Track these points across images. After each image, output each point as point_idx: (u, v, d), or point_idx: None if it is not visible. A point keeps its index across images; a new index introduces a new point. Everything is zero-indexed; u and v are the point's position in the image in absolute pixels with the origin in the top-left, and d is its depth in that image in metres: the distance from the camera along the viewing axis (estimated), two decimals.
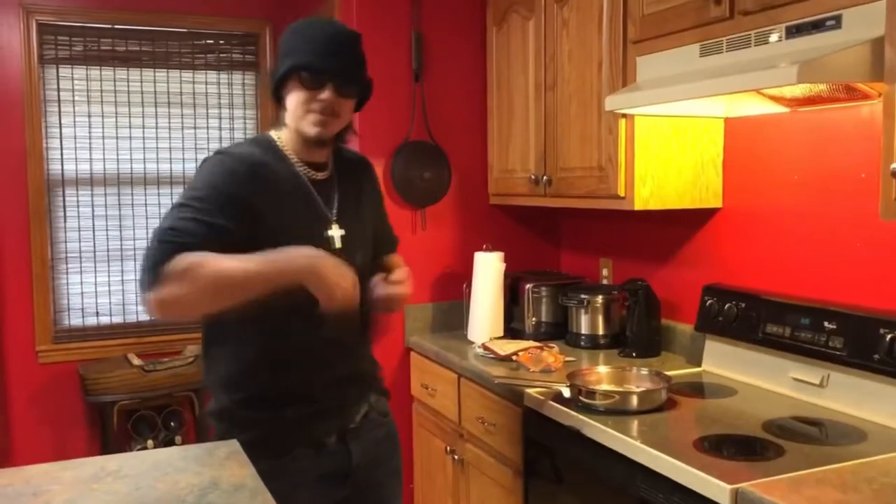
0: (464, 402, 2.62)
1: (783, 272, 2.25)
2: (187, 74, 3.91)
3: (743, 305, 2.24)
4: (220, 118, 4.00)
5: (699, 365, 2.42)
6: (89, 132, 3.76)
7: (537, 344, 2.61)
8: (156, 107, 3.87)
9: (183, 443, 3.67)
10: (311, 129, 1.69)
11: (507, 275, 2.92)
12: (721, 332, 2.31)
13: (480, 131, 3.17)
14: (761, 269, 2.32)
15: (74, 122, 3.73)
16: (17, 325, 3.65)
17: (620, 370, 2.24)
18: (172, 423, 3.71)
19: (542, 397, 2.14)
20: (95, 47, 3.74)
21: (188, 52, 3.91)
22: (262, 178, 1.67)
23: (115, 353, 3.75)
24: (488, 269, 2.89)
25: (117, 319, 3.86)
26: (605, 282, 3.01)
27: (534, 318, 2.89)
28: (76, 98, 3.73)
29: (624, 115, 2.33)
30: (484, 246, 2.96)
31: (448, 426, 2.76)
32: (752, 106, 2.20)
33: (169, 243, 1.52)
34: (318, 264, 1.54)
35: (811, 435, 1.85)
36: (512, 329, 2.93)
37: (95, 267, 3.81)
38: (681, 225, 2.59)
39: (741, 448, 1.77)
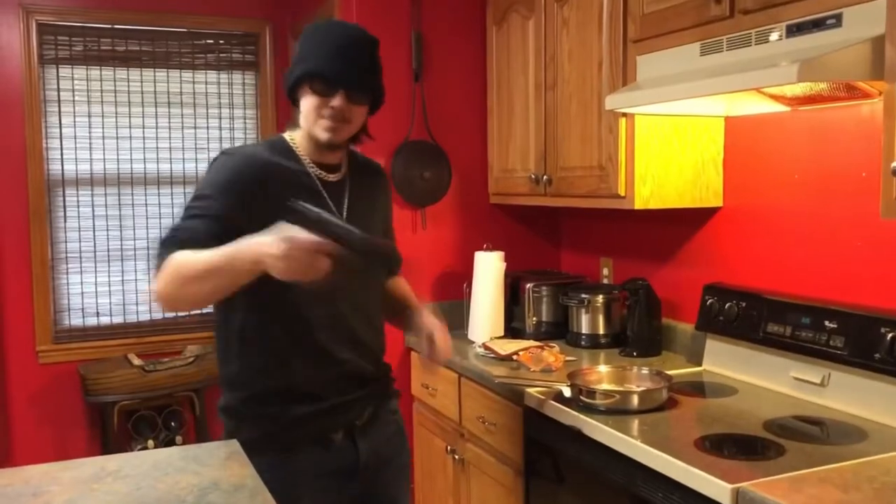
0: (464, 402, 2.62)
1: (784, 271, 2.25)
2: (187, 74, 3.91)
3: (743, 305, 2.24)
4: (220, 118, 3.99)
5: (700, 364, 2.41)
6: (89, 132, 3.76)
7: (538, 343, 2.61)
8: (156, 107, 3.87)
9: (183, 443, 3.67)
10: (322, 135, 1.71)
11: (507, 274, 2.92)
12: (722, 331, 2.31)
13: (480, 131, 3.16)
14: (762, 269, 2.32)
15: (74, 122, 3.73)
16: (17, 325, 3.65)
17: (621, 370, 2.24)
18: (173, 424, 3.71)
19: (542, 397, 2.14)
20: (95, 47, 3.74)
21: (188, 51, 3.91)
22: (269, 178, 1.69)
23: (116, 353, 3.75)
24: (489, 268, 2.89)
25: (117, 319, 3.86)
26: (605, 281, 3.01)
27: (534, 318, 2.89)
28: (76, 98, 3.73)
29: (624, 115, 2.33)
30: (484, 245, 2.95)
31: (449, 426, 2.76)
32: (753, 105, 2.20)
33: (167, 241, 1.59)
34: (261, 251, 1.45)
35: (812, 434, 1.84)
36: (512, 328, 2.93)
37: (96, 267, 3.81)
38: (681, 224, 2.59)
39: (742, 447, 1.77)
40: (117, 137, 3.80)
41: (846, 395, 1.94)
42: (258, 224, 1.59)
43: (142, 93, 3.84)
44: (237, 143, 4.00)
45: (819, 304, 2.04)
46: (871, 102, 1.93)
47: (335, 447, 1.78)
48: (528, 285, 2.88)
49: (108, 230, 3.82)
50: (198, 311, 3.92)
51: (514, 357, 2.51)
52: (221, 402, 1.81)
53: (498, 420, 2.40)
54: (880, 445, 1.70)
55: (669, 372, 2.18)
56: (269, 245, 1.43)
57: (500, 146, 3.05)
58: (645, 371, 2.21)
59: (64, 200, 3.73)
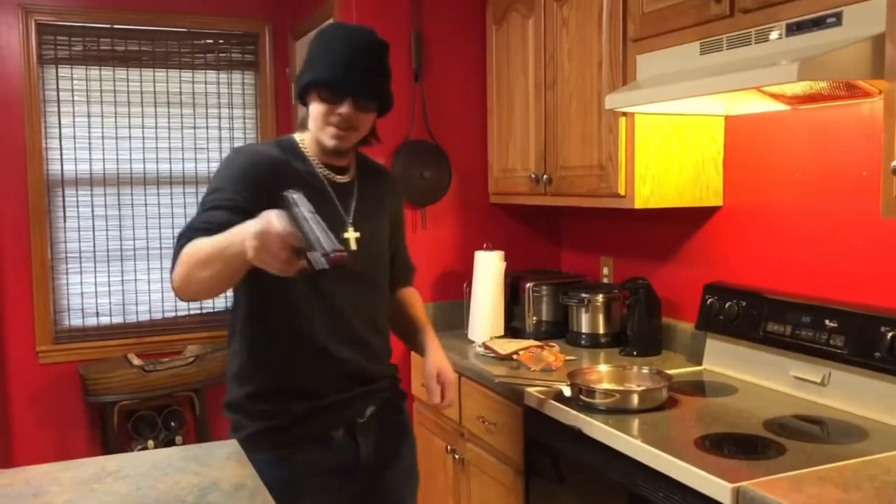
0: (464, 402, 2.62)
1: (784, 270, 2.25)
2: (187, 74, 3.91)
3: (744, 304, 2.24)
4: (220, 118, 3.99)
5: (700, 363, 2.41)
6: (89, 132, 3.75)
7: (538, 343, 2.61)
8: (155, 107, 3.87)
9: (183, 443, 3.67)
10: (329, 142, 1.73)
11: (507, 274, 2.92)
12: (722, 330, 2.31)
13: (480, 130, 3.16)
14: (762, 268, 2.32)
15: (74, 122, 3.72)
16: (17, 325, 3.65)
17: (621, 369, 2.24)
18: (173, 424, 3.71)
19: (542, 396, 2.13)
20: (95, 47, 3.74)
21: (188, 51, 3.90)
22: (277, 176, 1.70)
23: (116, 353, 3.75)
24: (489, 268, 2.89)
25: (117, 319, 3.86)
26: (605, 280, 3.01)
27: (534, 317, 2.88)
28: (76, 98, 3.72)
29: (624, 114, 2.33)
30: (484, 245, 2.95)
31: (449, 425, 2.76)
32: (753, 104, 2.20)
33: (184, 235, 1.60)
34: (244, 236, 1.39)
35: (812, 433, 1.84)
36: (512, 328, 2.93)
37: (95, 267, 3.81)
38: (681, 223, 2.59)
39: (742, 447, 1.77)
40: (117, 137, 3.80)
41: (846, 394, 1.94)
42: None
43: (141, 93, 3.84)
44: (237, 143, 4.01)
45: (819, 303, 2.04)
46: (871, 101, 1.93)
47: (336, 445, 1.78)
48: (528, 285, 2.88)
49: (107, 230, 3.82)
50: (198, 312, 3.93)
51: (514, 356, 2.51)
52: (226, 398, 1.83)
53: (498, 420, 2.40)
54: (881, 444, 1.70)
55: (669, 371, 2.18)
56: (250, 230, 1.37)
57: (500, 146, 3.05)
58: (645, 370, 2.21)
59: (63, 200, 3.73)
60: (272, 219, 1.34)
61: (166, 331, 3.90)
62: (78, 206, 3.75)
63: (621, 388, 2.11)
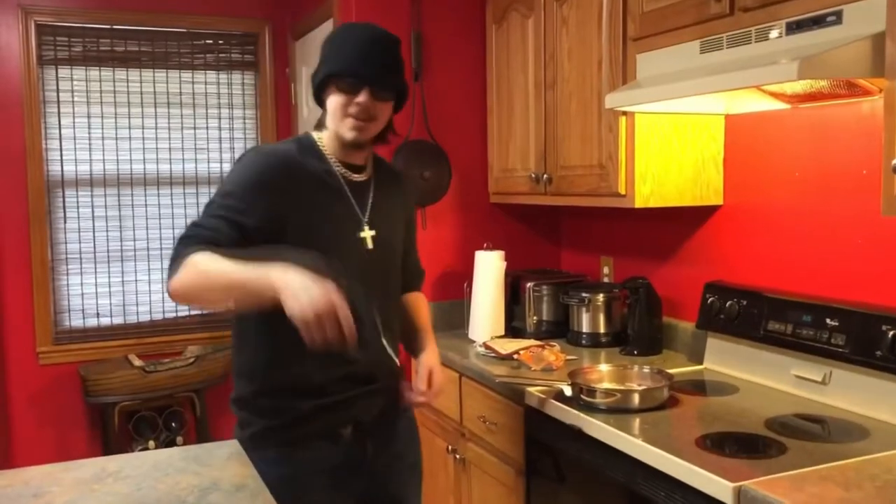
0: (465, 402, 2.62)
1: (784, 269, 2.25)
2: (186, 74, 3.91)
3: (744, 303, 2.24)
4: (220, 118, 3.99)
5: (701, 363, 2.41)
6: (89, 133, 3.76)
7: (538, 342, 2.60)
8: (155, 107, 3.87)
9: (184, 443, 3.67)
10: (348, 134, 1.74)
11: (507, 273, 2.92)
12: (722, 329, 2.31)
13: (480, 130, 3.16)
14: (762, 267, 2.32)
15: (74, 122, 3.72)
16: (17, 326, 3.65)
17: (622, 368, 2.24)
18: (173, 424, 3.71)
19: (543, 396, 2.13)
20: (94, 48, 3.74)
21: (187, 52, 3.90)
22: (293, 177, 1.72)
23: (116, 353, 3.75)
24: (489, 267, 2.88)
25: (118, 320, 3.86)
26: (606, 280, 3.01)
27: (535, 317, 2.88)
28: (75, 99, 3.72)
29: (624, 113, 2.33)
30: (485, 245, 2.95)
31: (449, 425, 2.76)
32: (753, 103, 2.20)
33: (189, 238, 1.60)
34: (284, 278, 1.43)
35: (813, 432, 1.84)
36: (513, 328, 2.93)
37: (96, 268, 3.81)
38: (681, 222, 2.59)
39: (743, 446, 1.77)
40: (117, 138, 3.80)
41: (847, 392, 1.94)
42: (279, 223, 1.64)
43: (141, 93, 3.84)
44: (237, 144, 4.01)
45: (820, 301, 2.04)
46: (871, 100, 1.93)
47: (343, 442, 1.79)
48: (529, 284, 2.88)
49: (107, 231, 3.82)
50: (198, 312, 3.93)
51: (515, 356, 2.50)
52: (233, 394, 1.83)
53: (499, 419, 2.40)
54: (882, 443, 1.70)
55: (670, 370, 2.18)
56: (297, 282, 1.41)
57: (500, 145, 3.05)
58: (646, 370, 2.20)
59: (64, 201, 3.73)
60: (333, 292, 1.40)
61: (167, 331, 3.90)
62: (78, 207, 3.75)
63: (622, 387, 2.11)
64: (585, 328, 2.74)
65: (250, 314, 1.76)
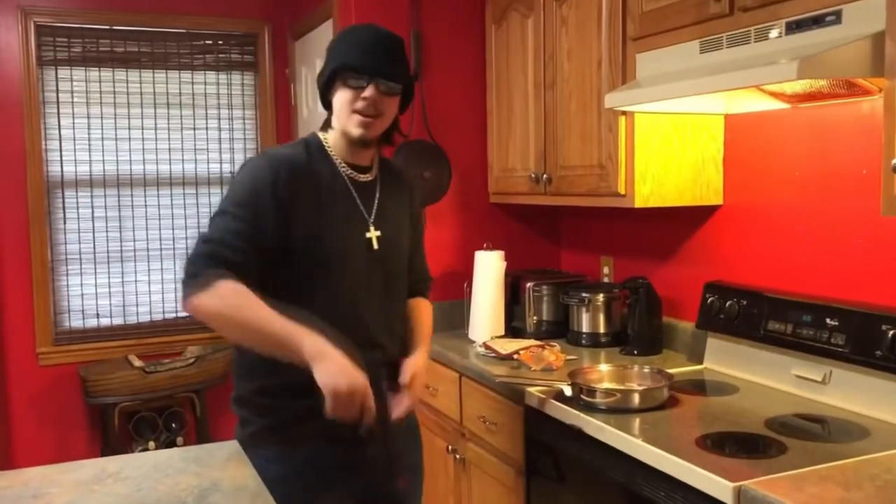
0: (465, 402, 2.62)
1: (784, 269, 2.24)
2: (186, 75, 3.91)
3: (744, 303, 2.24)
4: (220, 119, 3.99)
5: (701, 363, 2.41)
6: (88, 133, 3.76)
7: (538, 342, 2.60)
8: (155, 108, 3.87)
9: (184, 444, 3.66)
10: (355, 130, 1.75)
11: (507, 273, 2.92)
12: (722, 329, 2.31)
13: (480, 130, 3.16)
14: (762, 266, 2.32)
15: (73, 123, 3.73)
16: (17, 327, 3.65)
17: (622, 368, 2.24)
18: (173, 425, 3.71)
19: (543, 396, 2.13)
20: (94, 48, 3.74)
21: (187, 52, 3.90)
22: (301, 179, 1.73)
23: (116, 354, 3.75)
24: (489, 267, 2.88)
25: (118, 321, 3.86)
26: (606, 280, 3.01)
27: (535, 317, 2.88)
28: (75, 99, 3.73)
29: (624, 113, 2.33)
30: (484, 245, 2.95)
31: (449, 425, 2.76)
32: (753, 102, 2.20)
33: (211, 256, 1.63)
34: (320, 348, 1.56)
35: (814, 432, 1.84)
36: (513, 328, 2.93)
37: (95, 268, 3.81)
38: (681, 222, 2.59)
39: (743, 445, 1.77)
40: (116, 139, 3.81)
41: (848, 392, 1.94)
42: (288, 227, 1.67)
43: (141, 94, 3.84)
44: (236, 144, 4.02)
45: (820, 301, 2.04)
46: (871, 99, 1.93)
47: (343, 442, 1.78)
48: (529, 284, 2.88)
49: (107, 231, 3.82)
50: None
51: (515, 356, 2.50)
52: (234, 393, 1.83)
53: (499, 419, 2.40)
54: (882, 443, 1.70)
55: (670, 370, 2.18)
56: (334, 360, 1.56)
57: (499, 145, 3.05)
58: (646, 370, 2.20)
59: (63, 202, 3.73)
60: (364, 380, 1.57)
61: (167, 332, 3.90)
62: (78, 208, 3.75)
63: (622, 387, 2.11)
64: (585, 328, 2.74)
65: None
